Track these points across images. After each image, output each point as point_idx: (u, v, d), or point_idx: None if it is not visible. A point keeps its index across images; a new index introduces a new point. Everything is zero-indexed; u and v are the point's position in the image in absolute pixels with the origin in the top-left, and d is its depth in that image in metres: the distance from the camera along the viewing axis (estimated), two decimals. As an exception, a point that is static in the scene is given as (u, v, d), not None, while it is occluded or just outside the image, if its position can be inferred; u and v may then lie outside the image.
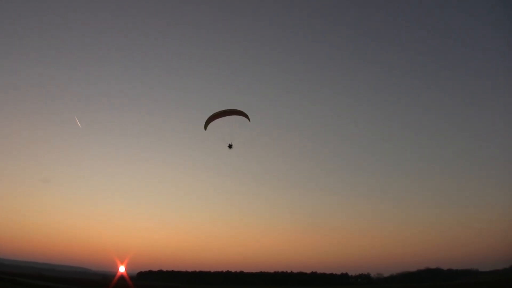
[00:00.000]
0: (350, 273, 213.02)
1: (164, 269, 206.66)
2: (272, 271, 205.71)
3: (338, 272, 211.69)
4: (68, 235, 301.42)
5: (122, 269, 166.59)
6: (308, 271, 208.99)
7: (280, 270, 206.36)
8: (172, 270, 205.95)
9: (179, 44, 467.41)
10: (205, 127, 48.36)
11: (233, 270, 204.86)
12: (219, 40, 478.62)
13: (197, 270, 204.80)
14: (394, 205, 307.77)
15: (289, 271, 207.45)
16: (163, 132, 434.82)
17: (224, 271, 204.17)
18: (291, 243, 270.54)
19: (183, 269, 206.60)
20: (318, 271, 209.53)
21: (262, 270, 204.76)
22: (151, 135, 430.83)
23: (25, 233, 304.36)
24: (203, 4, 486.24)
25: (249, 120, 47.41)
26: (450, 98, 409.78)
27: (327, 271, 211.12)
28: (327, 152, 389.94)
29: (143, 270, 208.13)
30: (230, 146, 48.40)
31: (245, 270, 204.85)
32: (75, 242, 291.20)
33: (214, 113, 47.69)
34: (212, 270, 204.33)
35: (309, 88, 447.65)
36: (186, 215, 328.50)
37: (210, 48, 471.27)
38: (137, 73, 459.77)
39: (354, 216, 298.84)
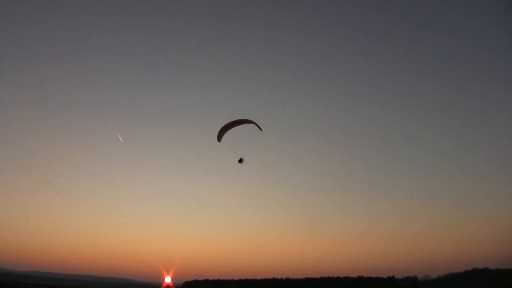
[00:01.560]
0: (396, 276, 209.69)
1: (210, 278, 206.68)
2: (318, 276, 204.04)
3: (385, 276, 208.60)
4: (114, 247, 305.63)
5: (168, 279, 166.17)
6: (355, 275, 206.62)
7: (326, 275, 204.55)
8: (218, 279, 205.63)
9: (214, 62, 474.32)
10: (219, 139, 46.78)
11: (279, 277, 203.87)
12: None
13: (243, 278, 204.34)
14: (440, 207, 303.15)
15: (335, 276, 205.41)
16: (208, 143, 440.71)
17: (270, 278, 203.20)
18: (337, 248, 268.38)
19: (229, 277, 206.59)
20: (365, 275, 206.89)
21: (308, 276, 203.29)
22: (194, 148, 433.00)
23: (71, 246, 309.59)
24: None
25: (261, 129, 45.83)
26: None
27: (374, 275, 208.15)
28: (364, 156, 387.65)
29: (189, 279, 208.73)
30: (240, 161, 46.22)
31: (291, 277, 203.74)
32: (121, 254, 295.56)
33: (226, 124, 46.42)
34: (258, 278, 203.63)
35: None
36: (231, 223, 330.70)
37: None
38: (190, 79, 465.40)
39: (400, 219, 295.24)
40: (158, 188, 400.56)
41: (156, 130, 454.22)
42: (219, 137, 46.47)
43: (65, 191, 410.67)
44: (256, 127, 45.83)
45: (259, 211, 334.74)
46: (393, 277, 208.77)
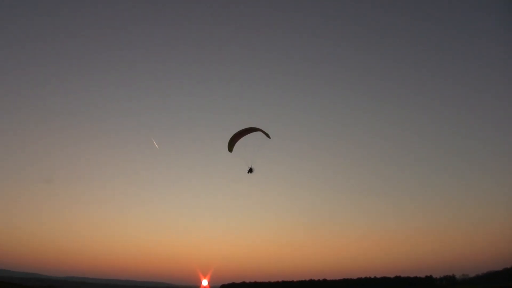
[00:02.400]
0: (434, 276, 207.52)
1: (247, 281, 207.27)
2: (355, 277, 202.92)
3: (422, 275, 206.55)
4: (151, 251, 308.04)
5: (205, 282, 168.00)
6: (392, 275, 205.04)
7: (363, 276, 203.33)
8: (255, 281, 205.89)
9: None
10: (230, 149, 45.68)
11: (316, 278, 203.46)
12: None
13: (280, 280, 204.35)
14: (476, 204, 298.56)
15: (372, 276, 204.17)
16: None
17: (307, 279, 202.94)
18: (374, 248, 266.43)
19: (266, 279, 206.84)
20: (402, 275, 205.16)
21: (345, 277, 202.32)
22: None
23: (109, 251, 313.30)
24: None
25: (269, 137, 44.68)
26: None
27: (411, 275, 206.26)
28: (395, 155, 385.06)
29: (226, 282, 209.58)
30: (250, 171, 44.84)
31: (328, 278, 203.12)
32: (159, 257, 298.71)
33: (235, 134, 45.28)
34: (295, 280, 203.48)
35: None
36: (267, 225, 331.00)
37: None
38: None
39: (437, 217, 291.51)
40: (194, 191, 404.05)
41: (193, 131, 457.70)
42: (230, 147, 45.66)
43: (101, 196, 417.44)
44: (264, 135, 44.84)
45: (296, 213, 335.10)
46: (430, 277, 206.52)
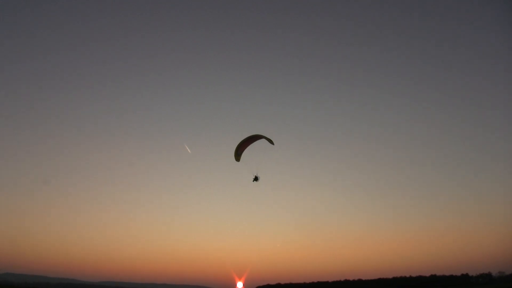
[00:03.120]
0: (470, 274, 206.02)
1: (282, 282, 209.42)
2: (390, 276, 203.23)
3: (458, 273, 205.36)
4: (186, 253, 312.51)
5: (240, 285, 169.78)
6: (427, 274, 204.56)
7: (398, 275, 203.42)
8: (290, 283, 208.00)
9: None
10: (238, 158, 44.96)
11: (350, 278, 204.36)
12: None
13: (315, 281, 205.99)
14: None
15: (407, 275, 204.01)
16: (278, 146, 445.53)
17: (342, 280, 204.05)
18: (408, 246, 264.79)
19: (300, 280, 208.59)
20: (438, 274, 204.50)
21: (380, 277, 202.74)
22: (266, 151, 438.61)
23: (144, 255, 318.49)
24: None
25: (273, 143, 43.92)
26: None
27: (447, 273, 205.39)
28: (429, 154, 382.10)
29: (261, 284, 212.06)
30: (256, 179, 44.42)
31: (363, 278, 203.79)
32: (193, 260, 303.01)
33: (240, 142, 44.55)
34: (330, 280, 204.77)
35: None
36: (301, 226, 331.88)
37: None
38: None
39: (471, 215, 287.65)
40: (227, 193, 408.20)
41: (224, 132, 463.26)
42: (237, 157, 44.99)
43: (133, 200, 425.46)
44: (268, 142, 44.10)
45: (331, 212, 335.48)
46: (466, 275, 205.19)
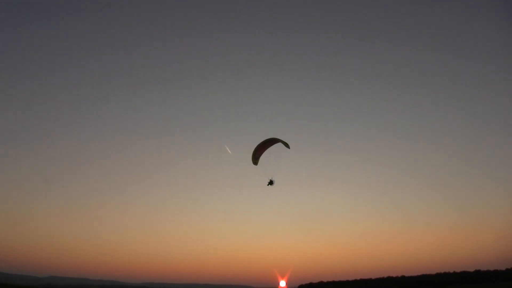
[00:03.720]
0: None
1: (325, 280, 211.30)
2: (433, 272, 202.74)
3: (503, 268, 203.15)
4: (228, 253, 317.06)
5: (282, 283, 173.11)
6: (471, 269, 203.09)
7: (442, 271, 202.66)
8: (333, 281, 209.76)
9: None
10: (255, 162, 44.58)
11: (394, 275, 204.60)
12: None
13: (358, 278, 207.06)
14: None
15: (451, 271, 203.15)
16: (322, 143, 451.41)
17: (385, 276, 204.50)
18: (450, 242, 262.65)
19: (343, 278, 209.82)
20: (482, 269, 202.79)
21: (424, 273, 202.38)
22: (309, 149, 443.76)
23: (187, 256, 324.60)
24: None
25: (288, 147, 43.03)
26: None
27: (491, 268, 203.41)
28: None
29: (303, 283, 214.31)
30: (271, 183, 43.68)
31: (407, 274, 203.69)
32: (235, 260, 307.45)
33: (257, 146, 44.16)
34: (373, 277, 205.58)
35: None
36: (343, 223, 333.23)
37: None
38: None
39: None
40: (270, 193, 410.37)
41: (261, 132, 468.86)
42: (255, 160, 44.61)
43: (180, 201, 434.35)
44: (283, 145, 43.47)
45: (371, 210, 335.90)
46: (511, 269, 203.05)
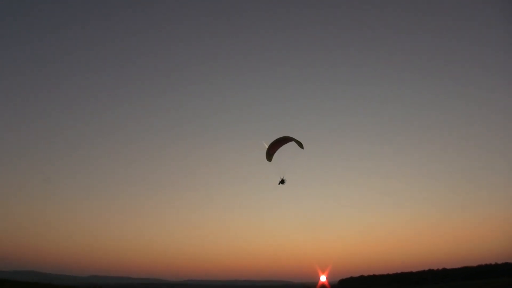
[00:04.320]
0: None
1: (365, 274, 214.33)
2: (475, 264, 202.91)
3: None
4: (269, 249, 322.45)
5: (323, 278, 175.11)
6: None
7: (484, 263, 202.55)
8: (373, 274, 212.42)
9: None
10: (269, 158, 43.71)
11: (435, 268, 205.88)
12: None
13: (398, 271, 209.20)
14: None
15: (493, 262, 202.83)
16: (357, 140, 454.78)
17: (426, 269, 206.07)
18: (492, 233, 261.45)
19: (384, 272, 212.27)
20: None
21: (465, 265, 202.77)
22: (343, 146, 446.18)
23: (230, 253, 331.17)
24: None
25: (302, 147, 42.05)
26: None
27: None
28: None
29: (344, 277, 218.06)
30: (282, 182, 42.53)
31: (448, 266, 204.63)
32: (276, 256, 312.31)
33: (272, 143, 43.04)
34: (414, 270, 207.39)
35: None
36: (382, 217, 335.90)
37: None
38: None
39: None
40: (309, 188, 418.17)
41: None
42: (269, 156, 43.67)
43: (220, 199, 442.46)
44: (297, 144, 42.52)
45: (409, 203, 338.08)
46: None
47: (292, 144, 42.38)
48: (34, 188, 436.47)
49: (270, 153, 42.92)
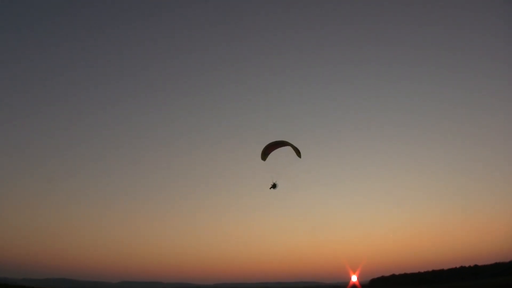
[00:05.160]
0: None
1: (397, 273, 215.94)
2: (507, 260, 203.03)
3: None
4: (299, 250, 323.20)
5: (354, 278, 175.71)
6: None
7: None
8: (405, 273, 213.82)
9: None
10: (264, 158, 43.53)
11: (466, 265, 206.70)
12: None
13: (430, 269, 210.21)
14: None
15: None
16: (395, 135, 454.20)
17: (457, 266, 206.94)
18: None
19: (415, 270, 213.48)
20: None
21: (498, 261, 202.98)
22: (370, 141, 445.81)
23: (258, 255, 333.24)
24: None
25: (300, 156, 41.93)
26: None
27: None
28: None
29: (375, 276, 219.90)
30: (273, 186, 42.27)
31: (479, 263, 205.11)
32: (306, 257, 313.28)
33: (271, 143, 43.08)
34: (445, 268, 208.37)
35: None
36: (413, 216, 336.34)
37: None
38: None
39: None
40: (342, 188, 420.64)
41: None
42: (264, 156, 43.58)
43: (256, 200, 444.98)
44: (294, 152, 42.50)
45: (443, 201, 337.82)
46: None
47: (290, 150, 42.20)
48: (64, 196, 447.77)
49: (266, 153, 43.09)
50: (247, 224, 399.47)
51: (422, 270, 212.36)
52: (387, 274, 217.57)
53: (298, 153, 42.01)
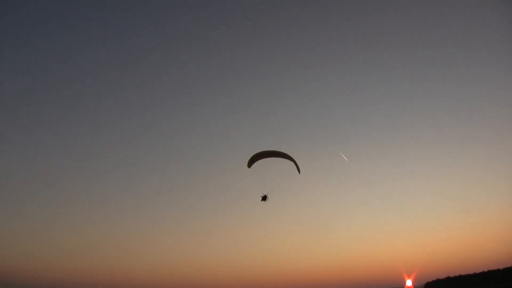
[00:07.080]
0: None
1: (452, 275, 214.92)
2: None
3: None
4: (352, 256, 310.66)
5: (409, 283, 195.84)
6: None
7: None
8: (460, 275, 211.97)
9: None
10: (250, 165, 41.88)
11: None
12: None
13: (485, 270, 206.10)
14: None
15: None
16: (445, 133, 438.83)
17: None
18: None
19: (470, 271, 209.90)
20: None
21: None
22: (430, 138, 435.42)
23: (310, 262, 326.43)
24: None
25: (299, 171, 41.17)
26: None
27: None
28: None
29: (430, 280, 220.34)
30: (264, 198, 41.21)
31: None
32: (360, 264, 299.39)
33: (262, 152, 41.66)
34: (500, 267, 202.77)
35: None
36: (469, 215, 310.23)
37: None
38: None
39: None
40: (390, 191, 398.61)
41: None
42: (250, 163, 41.85)
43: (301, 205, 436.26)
44: (295, 167, 41.53)
45: (491, 202, 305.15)
46: None
47: (291, 163, 41.60)
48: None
49: (254, 160, 41.91)
50: (294, 230, 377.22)
51: (477, 271, 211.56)
52: (442, 276, 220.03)
53: (298, 169, 41.26)
